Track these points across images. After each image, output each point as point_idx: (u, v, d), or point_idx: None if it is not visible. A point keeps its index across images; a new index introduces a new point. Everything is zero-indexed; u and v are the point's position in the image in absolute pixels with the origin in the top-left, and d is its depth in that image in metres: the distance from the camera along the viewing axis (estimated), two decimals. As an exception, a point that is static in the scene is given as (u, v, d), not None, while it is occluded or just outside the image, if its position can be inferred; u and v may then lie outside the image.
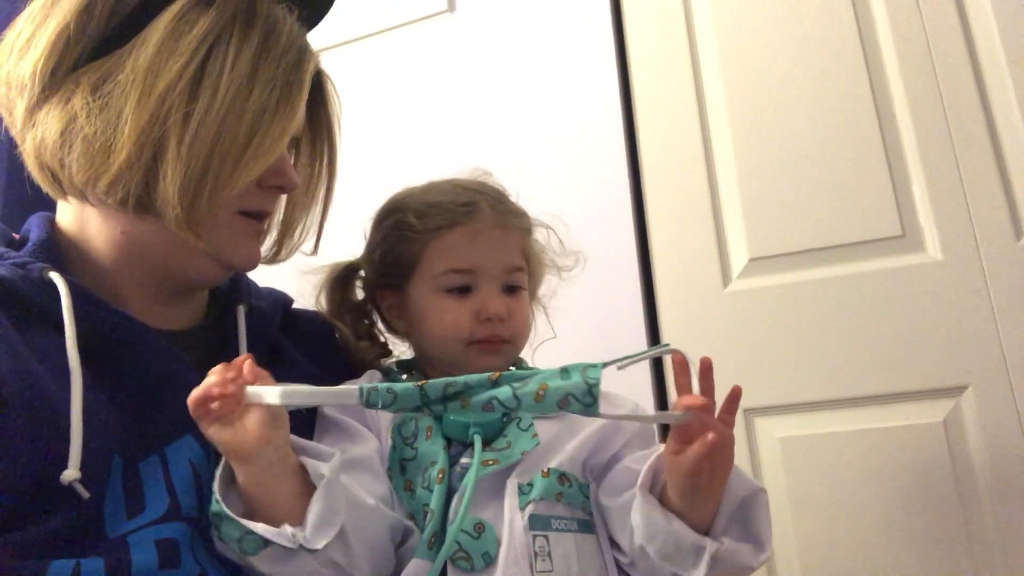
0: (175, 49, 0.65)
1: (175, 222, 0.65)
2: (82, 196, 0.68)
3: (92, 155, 0.64)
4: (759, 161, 1.27)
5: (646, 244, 1.32)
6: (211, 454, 0.66)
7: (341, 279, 0.88)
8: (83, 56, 0.65)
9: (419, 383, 0.58)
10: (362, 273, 0.88)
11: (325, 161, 0.83)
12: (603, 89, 1.41)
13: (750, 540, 0.67)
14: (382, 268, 0.84)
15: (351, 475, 0.67)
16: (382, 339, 0.89)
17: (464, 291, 0.78)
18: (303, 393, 0.60)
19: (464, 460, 0.70)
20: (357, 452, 0.71)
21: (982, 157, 1.16)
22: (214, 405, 0.59)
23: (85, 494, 0.57)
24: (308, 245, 0.85)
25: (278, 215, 0.81)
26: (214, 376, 0.60)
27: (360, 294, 0.89)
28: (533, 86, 1.46)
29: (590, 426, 0.74)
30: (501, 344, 0.79)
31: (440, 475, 0.69)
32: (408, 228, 0.81)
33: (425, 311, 0.80)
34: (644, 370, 1.25)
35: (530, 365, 0.85)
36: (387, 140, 1.54)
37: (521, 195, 0.89)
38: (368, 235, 0.87)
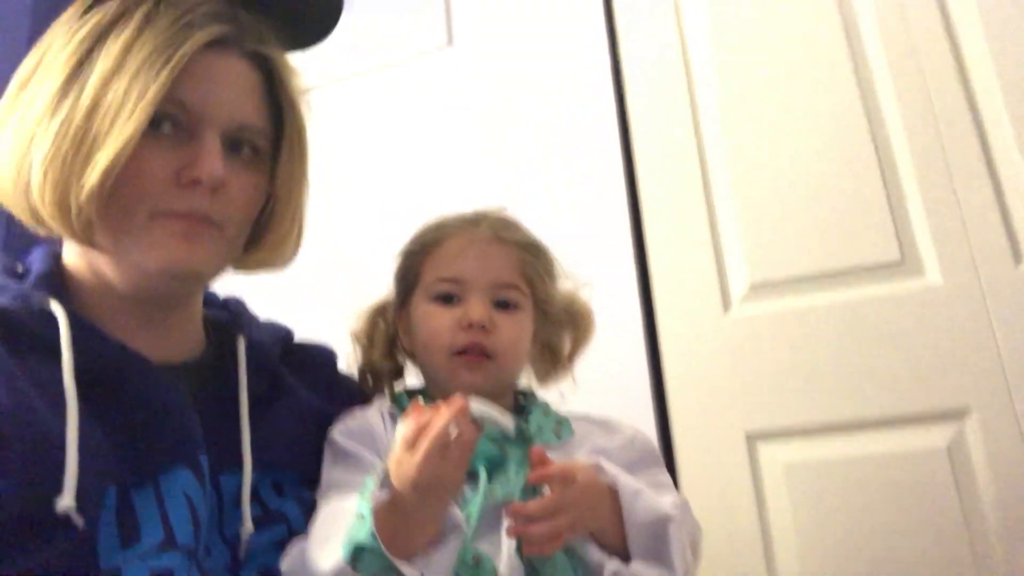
0: (58, 58, 0.64)
1: (71, 238, 0.64)
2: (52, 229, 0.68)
3: (20, 190, 0.65)
4: (758, 188, 1.28)
5: (646, 271, 1.33)
6: (206, 485, 0.65)
7: (379, 308, 0.89)
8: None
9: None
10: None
11: (295, 150, 0.74)
12: (601, 120, 1.42)
13: (661, 565, 0.68)
14: (395, 288, 0.86)
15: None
16: (401, 361, 0.88)
17: (452, 299, 0.79)
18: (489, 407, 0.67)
19: (467, 492, 0.70)
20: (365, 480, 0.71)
21: (979, 183, 1.17)
22: (453, 446, 0.61)
23: (80, 522, 0.56)
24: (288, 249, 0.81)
25: (248, 214, 0.73)
26: (440, 420, 0.62)
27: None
28: (533, 119, 1.48)
29: (580, 455, 0.74)
30: (483, 359, 0.78)
31: None
32: (414, 244, 0.84)
33: (417, 321, 0.81)
34: (646, 394, 1.25)
35: (540, 399, 0.85)
36: (390, 173, 1.56)
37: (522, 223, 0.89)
38: None
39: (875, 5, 1.29)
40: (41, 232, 0.68)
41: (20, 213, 0.66)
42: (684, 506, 0.72)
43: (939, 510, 1.08)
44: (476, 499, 0.68)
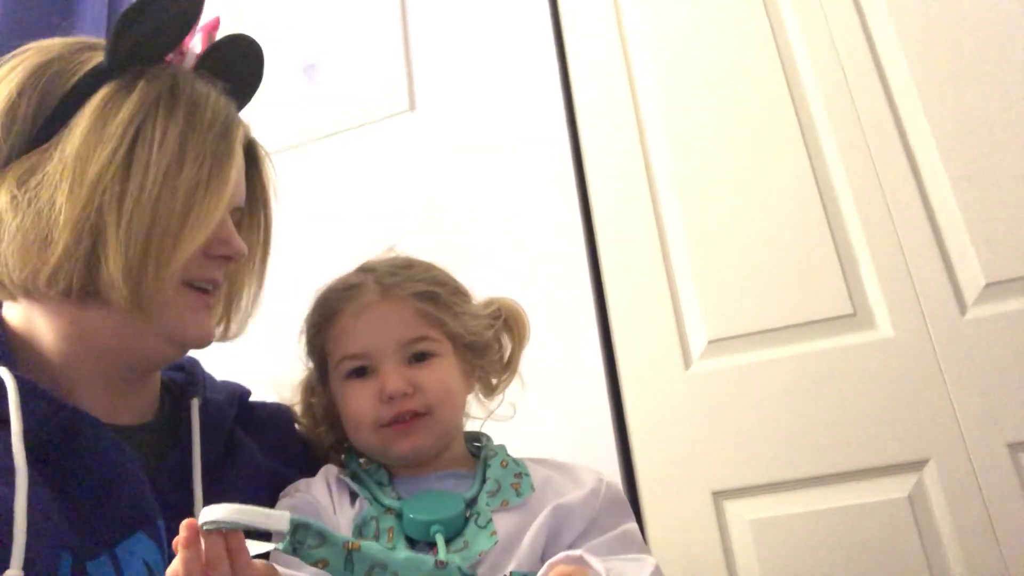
0: (102, 135, 0.65)
1: (123, 305, 0.65)
2: (26, 292, 0.67)
3: (28, 249, 0.64)
4: (713, 247, 1.32)
5: (608, 329, 1.35)
6: (165, 551, 0.64)
7: (307, 385, 0.87)
8: (9, 157, 0.66)
9: (352, 544, 0.56)
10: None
11: (262, 227, 0.83)
12: (561, 182, 1.46)
13: None
14: (312, 366, 0.84)
15: (306, 572, 0.64)
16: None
17: (365, 372, 0.76)
18: (231, 510, 0.53)
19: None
20: None
21: (922, 237, 1.22)
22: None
23: None
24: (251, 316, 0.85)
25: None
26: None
27: None
28: (492, 183, 1.50)
29: (541, 513, 0.71)
30: (415, 420, 0.75)
31: None
32: (309, 323, 0.81)
33: (339, 402, 0.79)
34: (612, 453, 1.25)
35: (494, 441, 0.84)
36: (350, 237, 1.56)
37: (482, 287, 0.88)
38: None
39: (817, 71, 1.35)
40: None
41: (45, 276, 0.65)
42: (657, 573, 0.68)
43: (903, 558, 1.08)
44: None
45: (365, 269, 0.82)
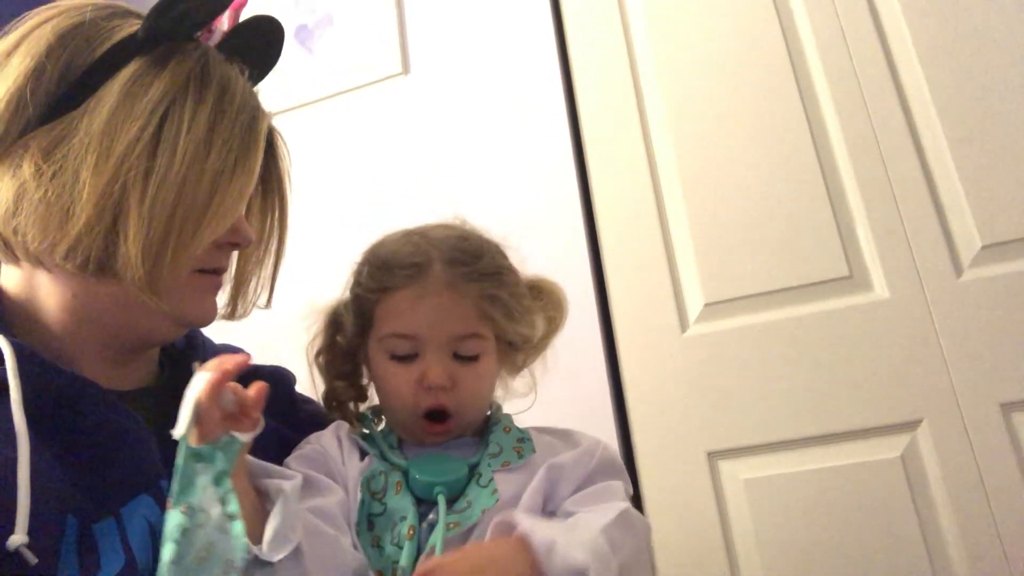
0: (131, 112, 0.65)
1: (137, 284, 0.65)
2: (37, 262, 0.67)
3: (48, 221, 0.63)
4: (710, 210, 1.31)
5: (604, 293, 1.35)
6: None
7: (337, 316, 0.84)
8: (32, 121, 0.65)
9: None
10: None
11: (276, 215, 0.83)
12: (557, 146, 1.45)
13: None
14: (351, 317, 0.81)
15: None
16: (364, 381, 0.85)
17: (409, 358, 0.75)
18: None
19: (431, 517, 0.69)
20: (318, 503, 0.69)
21: (919, 199, 1.22)
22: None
23: (33, 560, 0.55)
24: (263, 299, 0.84)
25: (231, 270, 0.80)
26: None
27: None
28: (488, 145, 1.49)
29: (538, 473, 0.72)
30: (447, 419, 0.75)
31: (411, 532, 0.67)
32: (363, 283, 0.79)
33: (376, 372, 0.79)
34: (608, 416, 1.26)
35: (502, 415, 0.84)
36: (345, 200, 1.56)
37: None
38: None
39: (817, 35, 1.34)
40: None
41: (64, 248, 0.64)
42: (620, 519, 0.67)
43: (896, 518, 1.10)
44: (438, 530, 0.67)
45: (430, 242, 0.78)
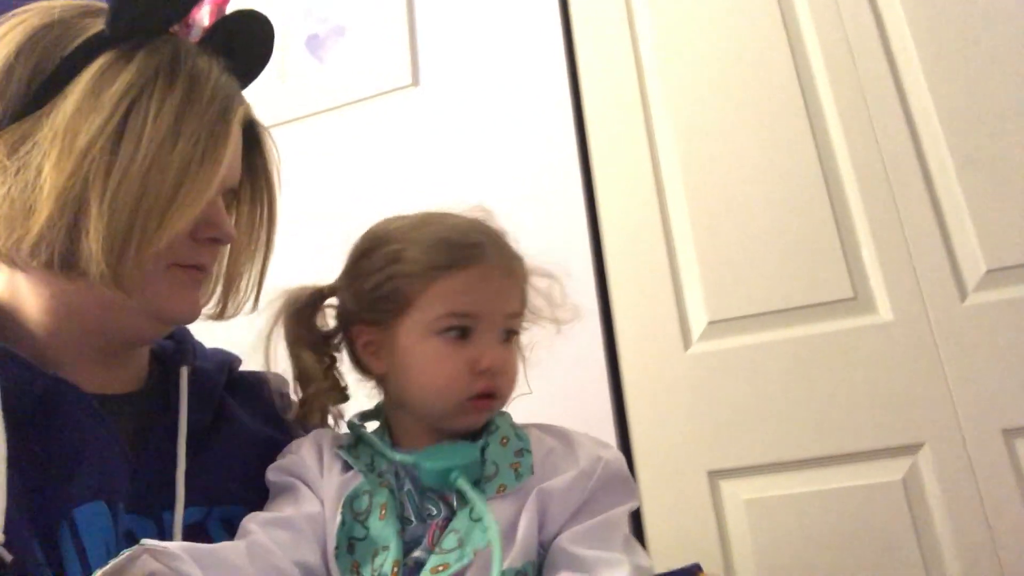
0: (95, 105, 0.63)
1: (102, 280, 0.63)
2: (10, 261, 0.67)
3: (12, 217, 0.63)
4: (715, 228, 1.32)
5: (608, 310, 1.35)
6: (119, 524, 0.63)
7: (308, 306, 0.80)
8: (3, 121, 0.64)
9: None
10: (335, 301, 0.80)
11: (265, 211, 0.81)
12: (564, 161, 1.45)
13: None
14: (369, 302, 0.75)
15: (268, 532, 0.63)
16: (342, 383, 0.81)
17: (461, 337, 0.71)
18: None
19: (417, 553, 0.65)
20: (287, 512, 0.67)
21: (925, 222, 1.22)
22: None
23: (8, 557, 0.55)
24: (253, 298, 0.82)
25: (220, 269, 0.79)
26: None
27: (329, 324, 0.81)
28: (496, 159, 1.50)
29: (529, 498, 0.68)
30: (494, 402, 0.73)
31: (395, 569, 0.63)
32: (408, 263, 0.74)
33: (413, 355, 0.72)
34: (610, 434, 1.26)
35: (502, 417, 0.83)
36: (353, 210, 1.56)
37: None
38: (350, 262, 0.80)
39: (825, 56, 1.34)
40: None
41: (29, 245, 0.63)
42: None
43: (896, 541, 1.10)
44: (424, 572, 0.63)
45: (477, 228, 0.78)
